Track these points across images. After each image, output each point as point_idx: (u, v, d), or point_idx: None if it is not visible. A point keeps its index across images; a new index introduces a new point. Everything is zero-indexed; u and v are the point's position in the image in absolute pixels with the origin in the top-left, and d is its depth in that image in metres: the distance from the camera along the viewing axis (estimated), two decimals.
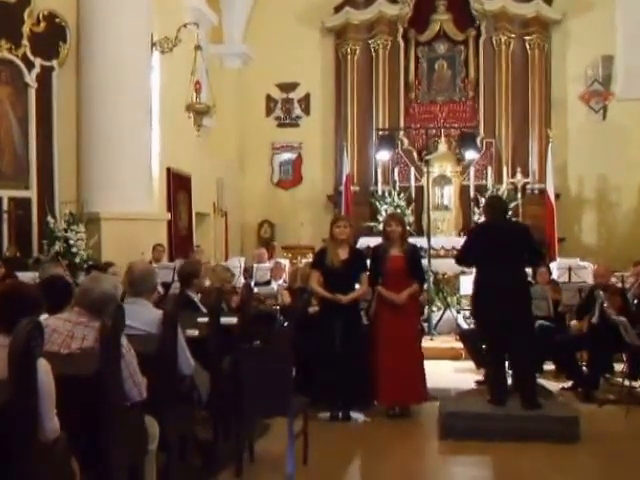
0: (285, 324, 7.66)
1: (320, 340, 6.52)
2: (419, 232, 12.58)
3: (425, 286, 8.48)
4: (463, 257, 6.34)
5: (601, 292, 7.44)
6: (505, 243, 5.98)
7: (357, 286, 6.59)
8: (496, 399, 5.99)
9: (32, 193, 9.22)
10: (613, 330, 6.84)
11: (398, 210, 13.07)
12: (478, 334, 7.72)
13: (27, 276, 7.05)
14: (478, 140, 13.56)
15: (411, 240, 7.06)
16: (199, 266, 6.47)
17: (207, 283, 6.93)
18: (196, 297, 6.16)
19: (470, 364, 8.19)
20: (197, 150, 12.75)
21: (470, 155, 12.78)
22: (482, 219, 12.50)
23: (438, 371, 7.89)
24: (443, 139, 13.70)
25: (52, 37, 9.51)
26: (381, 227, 12.89)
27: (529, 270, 7.53)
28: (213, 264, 9.08)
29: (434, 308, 10.50)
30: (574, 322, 7.58)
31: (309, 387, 6.10)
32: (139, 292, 4.40)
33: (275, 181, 15.31)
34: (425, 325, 9.55)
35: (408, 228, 11.84)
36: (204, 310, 5.74)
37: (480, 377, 7.80)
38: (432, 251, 10.96)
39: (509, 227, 6.42)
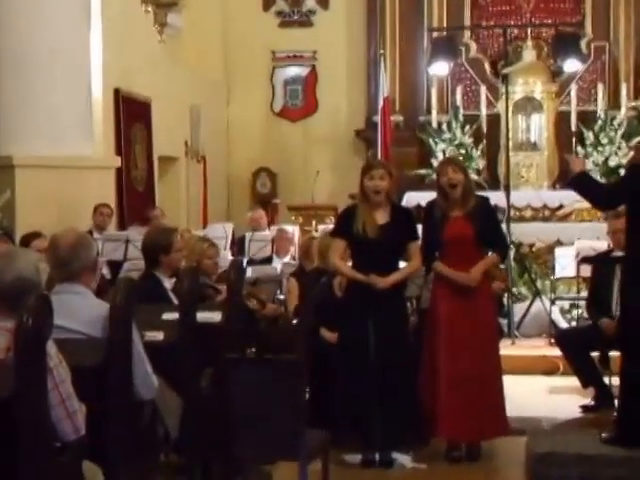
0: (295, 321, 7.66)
1: (347, 345, 6.52)
2: (493, 184, 12.51)
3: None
4: (608, 200, 6.36)
5: None
6: None
7: (402, 264, 6.57)
8: (625, 436, 5.91)
9: None
10: None
11: (462, 151, 13.00)
12: (595, 335, 7.71)
13: None
14: (583, 44, 13.47)
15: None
16: (172, 235, 6.41)
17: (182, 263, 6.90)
18: (168, 282, 6.15)
19: (573, 381, 8.14)
20: (160, 63, 12.74)
21: (571, 66, 12.79)
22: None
23: (524, 392, 7.91)
24: (530, 43, 13.60)
25: None
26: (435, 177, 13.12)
27: None
28: (186, 235, 9.07)
29: (517, 296, 10.48)
30: None
31: (330, 415, 6.11)
32: (71, 274, 4.37)
33: (277, 109, 15.31)
34: (504, 323, 9.52)
35: (477, 178, 11.95)
36: (176, 302, 5.72)
37: (588, 400, 7.78)
38: (513, 212, 10.90)
39: None
